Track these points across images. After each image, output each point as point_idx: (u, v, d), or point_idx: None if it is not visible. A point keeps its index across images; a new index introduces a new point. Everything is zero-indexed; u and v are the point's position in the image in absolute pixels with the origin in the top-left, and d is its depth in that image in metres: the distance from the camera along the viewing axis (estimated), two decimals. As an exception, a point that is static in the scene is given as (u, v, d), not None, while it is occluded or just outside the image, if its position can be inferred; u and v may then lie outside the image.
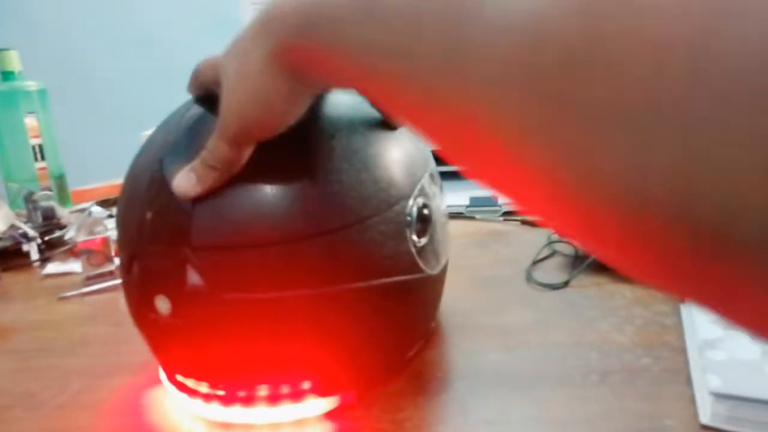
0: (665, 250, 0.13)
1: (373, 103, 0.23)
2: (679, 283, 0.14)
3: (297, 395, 0.35)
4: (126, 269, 0.35)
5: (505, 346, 0.43)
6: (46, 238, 0.68)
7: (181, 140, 0.34)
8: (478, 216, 0.76)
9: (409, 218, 0.35)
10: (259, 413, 0.35)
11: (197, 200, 0.31)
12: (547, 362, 0.40)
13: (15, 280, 0.60)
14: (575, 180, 0.14)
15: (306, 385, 0.35)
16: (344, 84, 0.25)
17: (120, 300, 0.55)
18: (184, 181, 0.31)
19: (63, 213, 0.75)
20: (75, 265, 0.63)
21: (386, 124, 0.36)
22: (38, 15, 1.87)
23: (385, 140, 0.35)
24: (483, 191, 0.82)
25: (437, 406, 0.36)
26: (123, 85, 1.93)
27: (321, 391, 0.35)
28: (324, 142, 0.33)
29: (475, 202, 0.78)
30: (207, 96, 0.34)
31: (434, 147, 0.20)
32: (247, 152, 0.30)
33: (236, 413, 0.35)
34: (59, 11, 1.88)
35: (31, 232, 0.67)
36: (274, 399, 0.35)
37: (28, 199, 0.74)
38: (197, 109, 0.35)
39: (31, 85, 0.84)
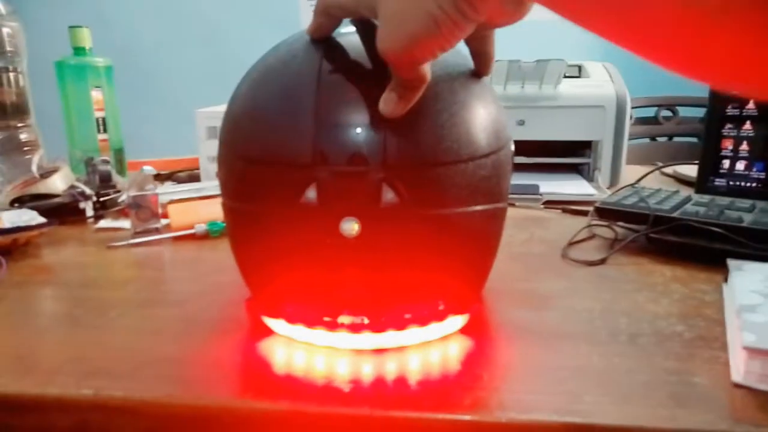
0: None
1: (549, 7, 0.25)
2: None
3: (439, 316, 0.37)
4: (291, 197, 0.33)
5: (533, 306, 0.42)
6: (102, 199, 0.72)
7: (327, 67, 0.34)
8: (517, 203, 0.75)
9: (512, 152, 0.40)
10: (406, 336, 0.36)
11: (387, 121, 0.33)
12: (574, 323, 0.40)
13: (70, 232, 0.64)
14: None
15: (441, 305, 0.37)
16: None
17: (164, 251, 0.58)
18: (389, 103, 0.32)
19: (118, 179, 0.79)
20: (126, 223, 0.66)
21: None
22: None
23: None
24: (524, 179, 0.81)
25: (459, 352, 0.36)
26: (181, 72, 2.02)
27: (456, 310, 0.38)
28: (467, 80, 0.37)
29: (516, 189, 0.77)
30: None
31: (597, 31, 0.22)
32: (424, 70, 0.32)
33: (384, 339, 0.36)
34: None
35: (88, 191, 0.71)
36: (422, 321, 0.36)
37: (88, 163, 0.78)
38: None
39: (99, 61, 0.89)
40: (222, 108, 0.89)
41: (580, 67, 0.94)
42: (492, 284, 0.41)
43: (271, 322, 0.38)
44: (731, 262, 0.44)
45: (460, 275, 0.38)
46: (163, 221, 0.65)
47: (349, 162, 0.33)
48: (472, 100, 0.36)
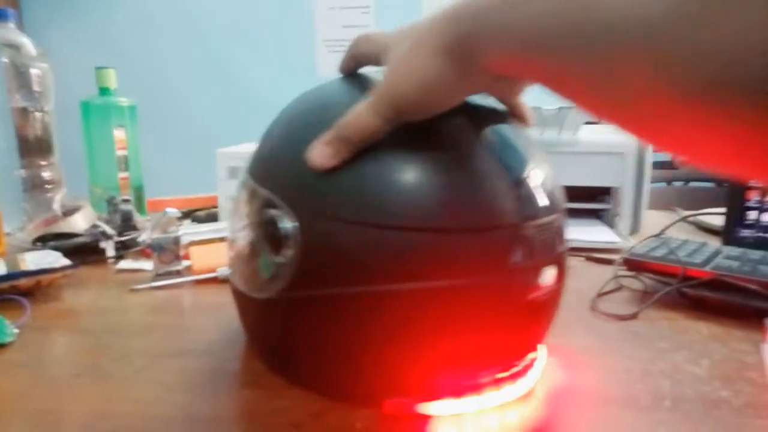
0: None
1: (541, 83, 0.26)
2: None
3: (519, 374, 0.37)
4: (499, 262, 0.31)
5: (568, 365, 0.41)
6: (123, 238, 0.72)
7: None
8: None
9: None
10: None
11: (548, 166, 0.36)
12: (614, 385, 0.38)
13: (91, 273, 0.64)
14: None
15: (518, 365, 0.37)
16: (511, 71, 0.28)
17: (186, 294, 0.57)
18: (319, 154, 0.32)
19: (139, 218, 0.79)
20: (146, 264, 0.65)
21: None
22: (137, 40, 2.05)
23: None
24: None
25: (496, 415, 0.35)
26: (202, 112, 2.05)
27: (527, 369, 0.38)
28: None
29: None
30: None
31: (598, 118, 0.24)
32: (389, 128, 0.31)
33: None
34: (156, 40, 2.05)
35: (110, 231, 0.71)
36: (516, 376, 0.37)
37: (110, 202, 0.78)
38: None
39: (124, 101, 0.90)
40: (244, 148, 0.90)
41: (598, 113, 0.95)
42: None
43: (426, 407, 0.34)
44: (771, 322, 0.43)
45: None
46: (184, 263, 0.65)
47: (545, 213, 0.33)
48: None
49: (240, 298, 0.41)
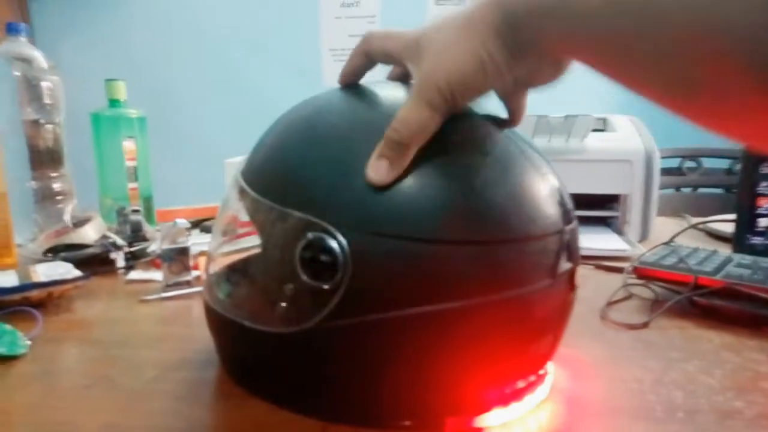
0: None
1: (594, 65, 0.25)
2: None
3: (532, 386, 0.37)
4: (550, 267, 0.32)
5: (579, 375, 0.41)
6: (132, 249, 0.73)
7: None
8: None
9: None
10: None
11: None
12: (625, 396, 0.38)
13: (101, 284, 0.64)
14: None
15: (532, 377, 0.37)
16: (565, 52, 0.28)
17: (195, 305, 0.58)
18: (380, 171, 0.30)
19: (148, 229, 0.80)
20: (156, 275, 0.66)
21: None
22: (147, 52, 2.07)
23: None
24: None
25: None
26: (210, 123, 2.07)
27: (540, 380, 0.38)
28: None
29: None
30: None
31: (652, 99, 0.23)
32: (441, 120, 0.31)
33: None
34: (165, 51, 2.07)
35: (120, 242, 0.72)
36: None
37: (120, 213, 0.79)
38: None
39: (133, 112, 0.91)
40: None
41: (604, 120, 0.95)
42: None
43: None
44: (784, 331, 0.43)
45: None
46: (194, 273, 0.65)
47: (573, 216, 0.35)
48: None
49: (241, 333, 0.36)
